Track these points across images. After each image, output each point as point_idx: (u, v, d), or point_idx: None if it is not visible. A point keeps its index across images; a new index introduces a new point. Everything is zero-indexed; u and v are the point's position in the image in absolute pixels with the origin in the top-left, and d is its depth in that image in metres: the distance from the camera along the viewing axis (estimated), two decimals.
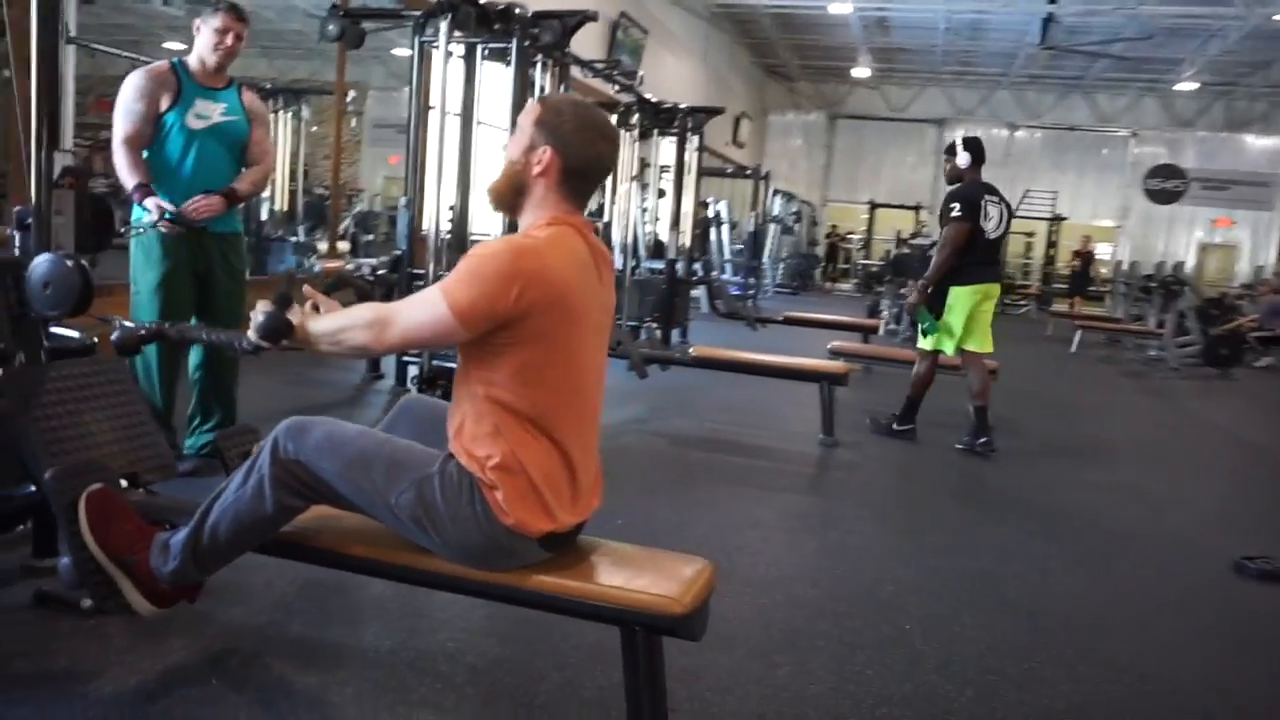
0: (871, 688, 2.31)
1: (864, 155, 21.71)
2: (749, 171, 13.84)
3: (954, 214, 4.84)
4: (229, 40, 3.42)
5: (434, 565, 1.76)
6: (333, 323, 1.78)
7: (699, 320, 10.64)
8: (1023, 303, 18.23)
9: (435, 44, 5.04)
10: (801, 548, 3.36)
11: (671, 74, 14.79)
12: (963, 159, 4.96)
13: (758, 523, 3.57)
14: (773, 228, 17.52)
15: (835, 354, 6.12)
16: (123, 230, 3.46)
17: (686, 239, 8.72)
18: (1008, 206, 5.06)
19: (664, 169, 11.48)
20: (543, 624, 2.33)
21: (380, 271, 5.80)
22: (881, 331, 11.18)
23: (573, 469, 1.77)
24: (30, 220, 2.32)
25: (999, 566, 3.31)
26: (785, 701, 2.20)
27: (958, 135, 5.18)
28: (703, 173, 15.04)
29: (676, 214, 8.26)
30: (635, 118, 7.93)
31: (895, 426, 5.23)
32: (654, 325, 7.39)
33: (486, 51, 5.26)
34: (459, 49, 5.18)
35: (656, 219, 10.42)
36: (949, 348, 4.97)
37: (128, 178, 3.30)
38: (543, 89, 5.63)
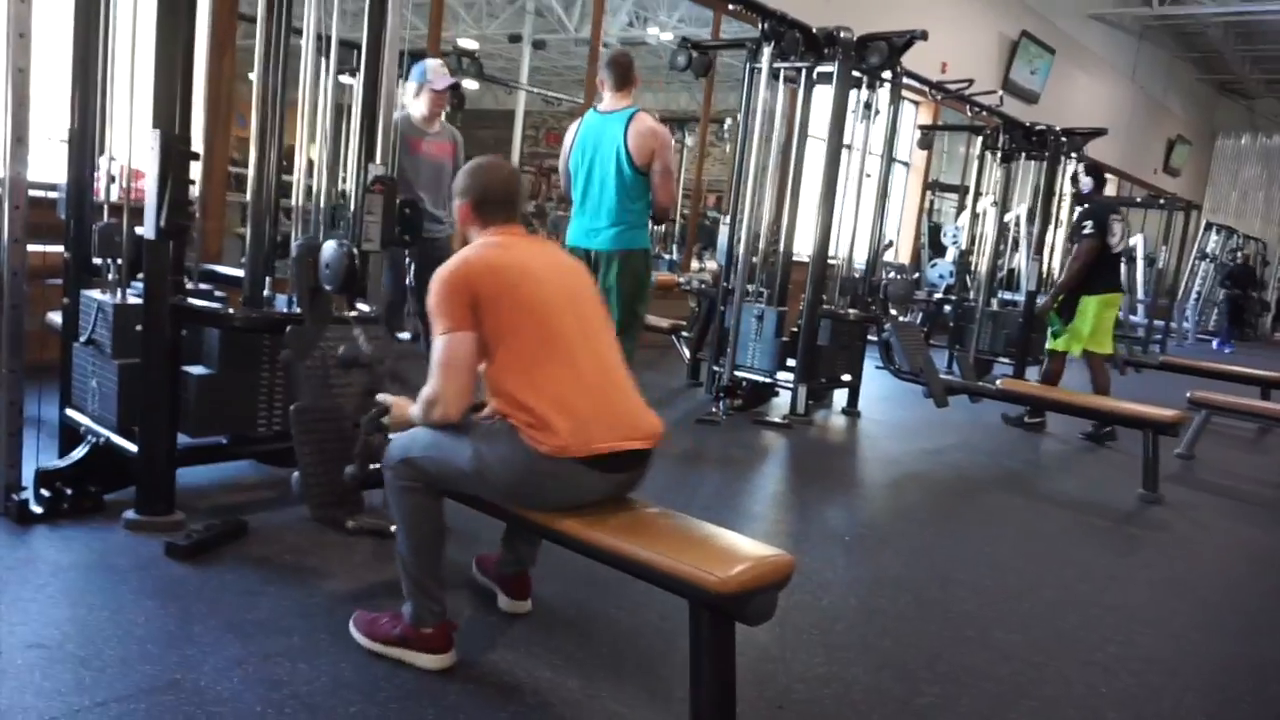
0: None
1: None
2: (1162, 200, 12.30)
3: (1085, 231, 5.52)
4: None
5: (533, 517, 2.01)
6: (414, 409, 2.12)
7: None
8: None
9: (778, 69, 5.31)
10: (1040, 599, 3.08)
11: (1085, 94, 13.66)
12: (1086, 184, 5.82)
13: (1007, 567, 3.33)
14: (1204, 266, 15.37)
15: (1196, 404, 5.36)
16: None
17: (1053, 270, 8.06)
18: (1127, 222, 5.85)
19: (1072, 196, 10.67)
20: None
21: (703, 285, 6.20)
22: None
23: (581, 401, 2.01)
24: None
25: None
26: None
27: (1079, 166, 5.99)
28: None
29: (1040, 243, 7.68)
30: (1001, 140, 7.55)
31: (1025, 419, 5.74)
32: (962, 357, 6.90)
33: (816, 75, 5.41)
34: (800, 74, 5.37)
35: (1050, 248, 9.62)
36: (1076, 349, 5.62)
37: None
38: (875, 109, 5.66)
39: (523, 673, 2.16)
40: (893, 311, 5.46)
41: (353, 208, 2.97)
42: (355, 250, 2.62)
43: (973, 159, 8.04)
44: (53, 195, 3.00)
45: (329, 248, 2.62)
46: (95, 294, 2.87)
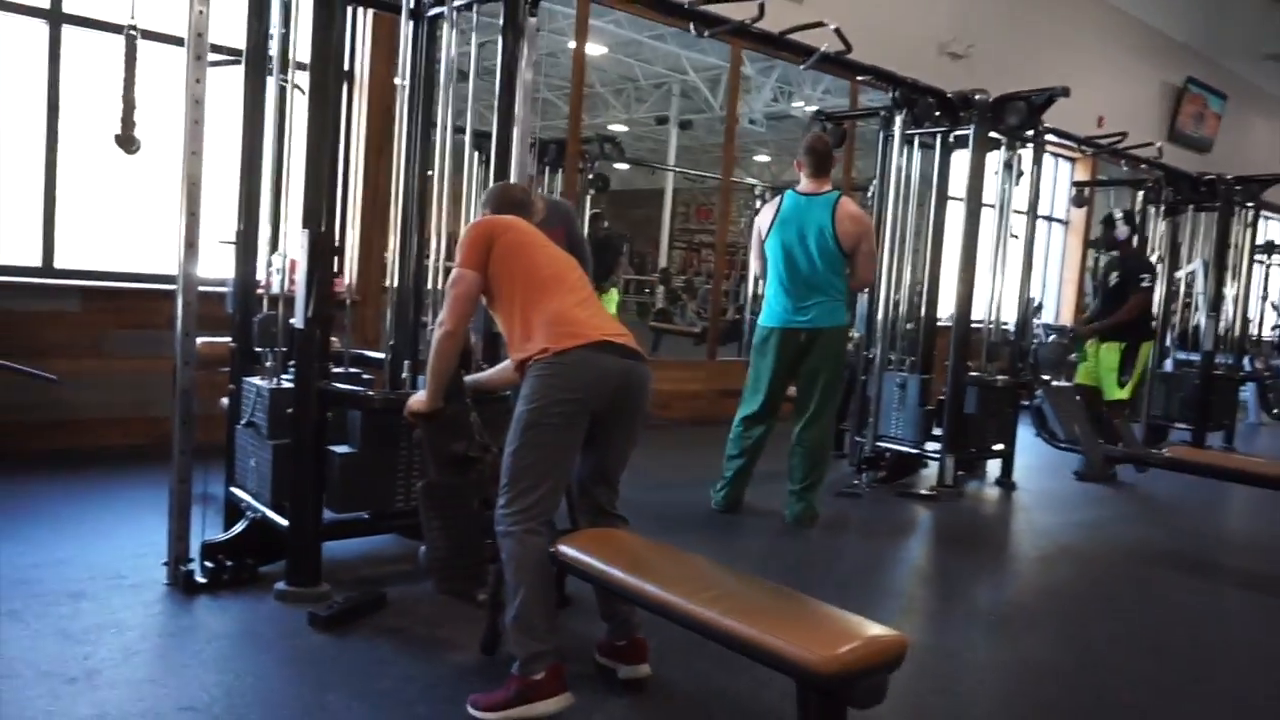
0: None
1: None
2: None
3: (1145, 283, 5.82)
4: None
5: (652, 594, 2.02)
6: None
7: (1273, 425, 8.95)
8: None
9: (913, 135, 5.27)
10: (1215, 693, 2.80)
11: (1264, 140, 12.76)
12: (1123, 231, 5.96)
13: (1175, 655, 3.05)
14: None
15: None
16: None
17: (1232, 327, 7.50)
18: None
19: (1265, 248, 9.91)
20: None
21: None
22: None
23: (576, 313, 2.35)
24: None
25: None
26: None
27: (1115, 211, 6.04)
28: None
29: (1216, 299, 7.17)
30: (1165, 193, 7.15)
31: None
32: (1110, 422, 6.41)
33: (954, 139, 5.32)
34: (936, 139, 5.31)
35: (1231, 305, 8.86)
36: (1129, 394, 5.87)
37: None
38: (1018, 172, 5.48)
39: None
40: (1045, 376, 5.20)
41: None
42: (472, 333, 2.75)
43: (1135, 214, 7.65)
44: (222, 290, 3.30)
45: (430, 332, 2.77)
46: (255, 380, 3.12)
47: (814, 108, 12.73)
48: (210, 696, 2.24)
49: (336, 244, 2.90)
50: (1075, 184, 8.81)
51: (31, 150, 4.40)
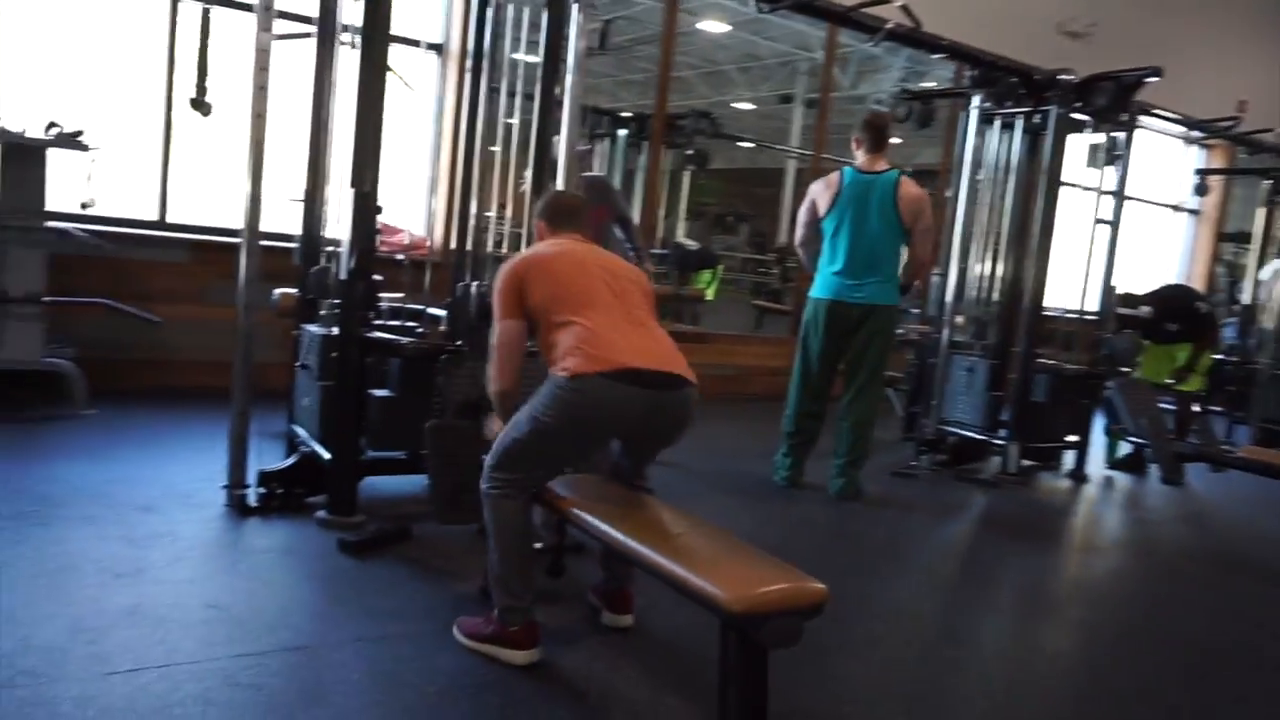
0: None
1: None
2: None
3: (1203, 309, 5.64)
4: None
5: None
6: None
7: None
8: None
9: (992, 114, 5.17)
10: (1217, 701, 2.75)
11: None
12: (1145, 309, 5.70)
13: (1178, 647, 3.00)
14: None
15: None
16: None
17: None
18: None
19: None
20: None
21: (919, 336, 6.03)
22: None
23: (605, 335, 2.32)
24: None
25: None
26: None
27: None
28: None
29: None
30: None
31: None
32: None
33: (1040, 119, 5.17)
34: (1021, 120, 5.17)
35: None
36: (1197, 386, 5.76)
37: None
38: (1114, 155, 5.29)
39: (598, 680, 2.32)
40: (1121, 369, 5.03)
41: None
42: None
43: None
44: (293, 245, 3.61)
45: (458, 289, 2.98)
46: (312, 327, 3.41)
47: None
48: (234, 598, 2.53)
49: (380, 204, 3.12)
50: (1198, 172, 8.33)
51: (153, 115, 4.86)
